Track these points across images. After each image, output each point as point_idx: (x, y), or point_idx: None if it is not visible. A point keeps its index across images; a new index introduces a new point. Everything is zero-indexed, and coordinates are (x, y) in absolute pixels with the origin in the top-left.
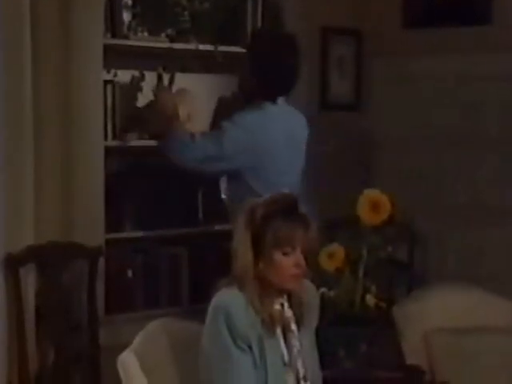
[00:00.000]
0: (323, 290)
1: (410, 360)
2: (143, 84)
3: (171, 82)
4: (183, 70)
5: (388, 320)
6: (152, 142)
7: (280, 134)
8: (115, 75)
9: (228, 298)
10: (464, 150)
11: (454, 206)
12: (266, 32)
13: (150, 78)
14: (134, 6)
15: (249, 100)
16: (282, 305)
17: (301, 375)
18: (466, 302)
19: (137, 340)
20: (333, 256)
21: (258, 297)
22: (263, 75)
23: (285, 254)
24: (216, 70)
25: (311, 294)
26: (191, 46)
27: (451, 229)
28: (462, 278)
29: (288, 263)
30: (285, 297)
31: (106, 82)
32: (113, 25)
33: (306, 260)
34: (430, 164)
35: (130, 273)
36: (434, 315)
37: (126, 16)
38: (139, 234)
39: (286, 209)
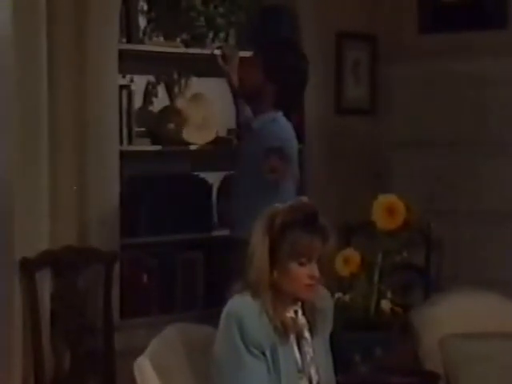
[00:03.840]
0: (338, 294)
1: (426, 365)
2: (158, 89)
3: (186, 86)
4: (198, 75)
5: (404, 325)
6: (167, 147)
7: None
8: (131, 80)
9: (241, 306)
10: (480, 154)
11: (471, 211)
12: (289, 42)
13: (165, 82)
14: (149, 11)
15: (253, 101)
16: (296, 312)
17: (314, 382)
18: (482, 307)
19: (152, 345)
20: (348, 261)
21: (272, 304)
22: (289, 87)
23: (300, 264)
24: None
25: (325, 300)
26: (206, 51)
27: (468, 234)
28: (479, 283)
29: (303, 273)
30: (298, 304)
31: (121, 87)
32: (128, 30)
33: (322, 269)
34: (446, 168)
35: (145, 277)
36: (450, 320)
37: (142, 21)
38: (154, 238)
39: (306, 219)
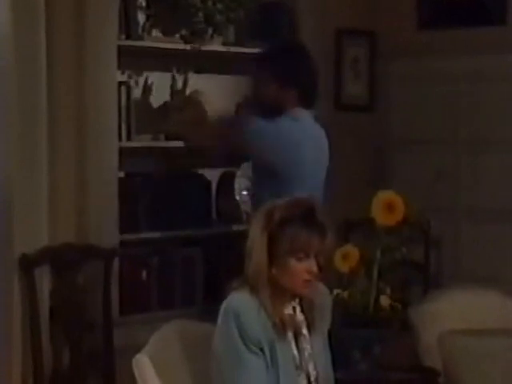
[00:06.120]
0: (337, 291)
1: (426, 362)
2: (158, 85)
3: (185, 83)
4: (197, 71)
5: (403, 321)
6: (166, 143)
7: (312, 146)
8: (130, 76)
9: (238, 302)
10: (479, 151)
11: (470, 208)
12: (294, 44)
13: (165, 79)
14: (148, 7)
15: (272, 109)
16: (294, 308)
17: (312, 378)
18: (481, 303)
19: (151, 341)
20: (347, 257)
21: (270, 300)
22: (300, 86)
23: (299, 259)
24: (230, 71)
25: (324, 297)
26: (205, 47)
27: (467, 230)
28: (478, 279)
29: (301, 269)
30: (297, 300)
31: (120, 83)
32: (127, 26)
33: (320, 266)
34: (445, 165)
35: (144, 274)
36: (449, 317)
37: (141, 17)
38: (153, 235)
39: (305, 214)
